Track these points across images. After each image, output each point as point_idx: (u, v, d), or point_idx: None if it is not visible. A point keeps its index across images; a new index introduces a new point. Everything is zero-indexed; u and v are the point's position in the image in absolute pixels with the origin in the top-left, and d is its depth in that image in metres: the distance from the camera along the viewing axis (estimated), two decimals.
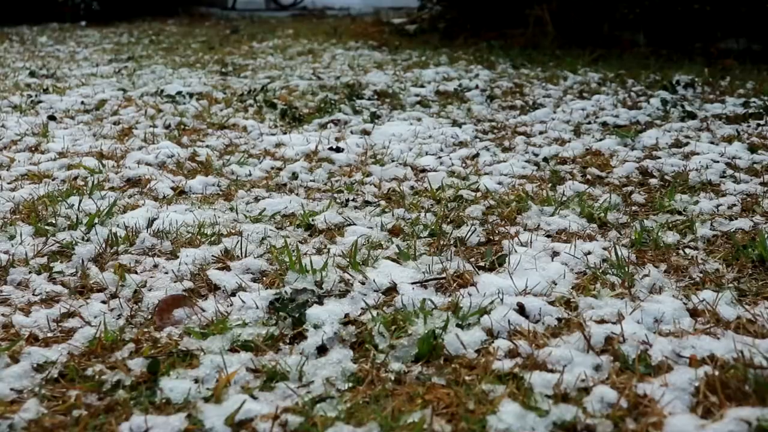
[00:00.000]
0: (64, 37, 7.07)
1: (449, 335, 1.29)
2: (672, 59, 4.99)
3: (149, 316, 1.41)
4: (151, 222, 1.88)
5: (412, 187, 2.26)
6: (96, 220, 1.86)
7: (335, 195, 2.19)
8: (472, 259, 1.68)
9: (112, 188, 2.23)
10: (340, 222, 1.92)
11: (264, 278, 1.58)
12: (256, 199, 2.14)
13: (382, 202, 2.10)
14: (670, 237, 1.80)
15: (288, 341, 1.32)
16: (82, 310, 1.43)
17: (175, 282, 1.55)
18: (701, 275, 1.58)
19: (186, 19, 9.26)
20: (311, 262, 1.58)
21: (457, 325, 1.34)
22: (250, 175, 2.39)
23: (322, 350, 1.28)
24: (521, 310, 1.39)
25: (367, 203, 2.10)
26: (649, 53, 5.19)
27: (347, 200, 2.12)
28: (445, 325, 1.33)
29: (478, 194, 2.18)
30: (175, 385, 1.16)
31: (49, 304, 1.46)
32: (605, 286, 1.51)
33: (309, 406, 1.11)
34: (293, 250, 1.65)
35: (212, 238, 1.79)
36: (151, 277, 1.58)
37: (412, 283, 1.52)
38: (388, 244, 1.77)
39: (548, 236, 1.82)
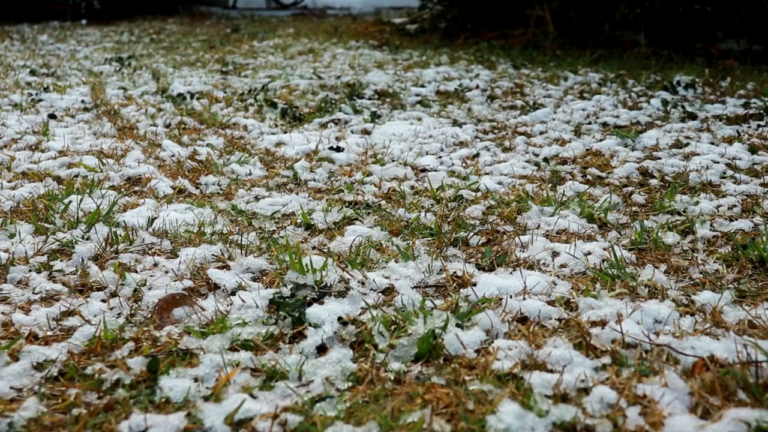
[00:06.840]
0: (65, 35, 7.07)
1: (449, 335, 1.29)
2: (672, 60, 4.99)
3: (149, 315, 1.41)
4: (151, 221, 1.88)
5: (412, 187, 2.26)
6: (97, 218, 1.86)
7: (336, 194, 2.18)
8: (472, 260, 1.68)
9: (112, 187, 2.23)
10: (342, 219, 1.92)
11: (264, 277, 1.58)
12: (257, 198, 2.14)
13: (383, 202, 2.10)
14: (670, 238, 1.80)
15: (288, 340, 1.32)
16: (81, 308, 1.43)
17: (175, 281, 1.55)
18: (701, 276, 1.58)
19: (186, 17, 9.25)
20: (311, 261, 1.58)
21: (457, 325, 1.34)
22: (250, 174, 2.39)
23: (321, 350, 1.28)
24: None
25: (367, 204, 2.10)
26: (650, 53, 5.19)
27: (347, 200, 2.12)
28: (445, 325, 1.33)
29: (479, 194, 2.18)
30: (174, 383, 1.16)
31: (49, 302, 1.46)
32: (605, 287, 1.51)
33: (309, 405, 1.11)
34: (293, 250, 1.65)
35: (212, 237, 1.79)
36: (151, 275, 1.58)
37: (414, 287, 1.52)
38: (388, 244, 1.77)
39: (547, 236, 1.82)
